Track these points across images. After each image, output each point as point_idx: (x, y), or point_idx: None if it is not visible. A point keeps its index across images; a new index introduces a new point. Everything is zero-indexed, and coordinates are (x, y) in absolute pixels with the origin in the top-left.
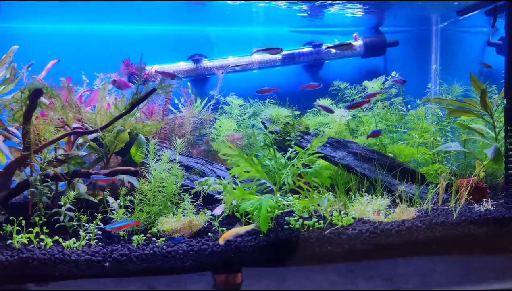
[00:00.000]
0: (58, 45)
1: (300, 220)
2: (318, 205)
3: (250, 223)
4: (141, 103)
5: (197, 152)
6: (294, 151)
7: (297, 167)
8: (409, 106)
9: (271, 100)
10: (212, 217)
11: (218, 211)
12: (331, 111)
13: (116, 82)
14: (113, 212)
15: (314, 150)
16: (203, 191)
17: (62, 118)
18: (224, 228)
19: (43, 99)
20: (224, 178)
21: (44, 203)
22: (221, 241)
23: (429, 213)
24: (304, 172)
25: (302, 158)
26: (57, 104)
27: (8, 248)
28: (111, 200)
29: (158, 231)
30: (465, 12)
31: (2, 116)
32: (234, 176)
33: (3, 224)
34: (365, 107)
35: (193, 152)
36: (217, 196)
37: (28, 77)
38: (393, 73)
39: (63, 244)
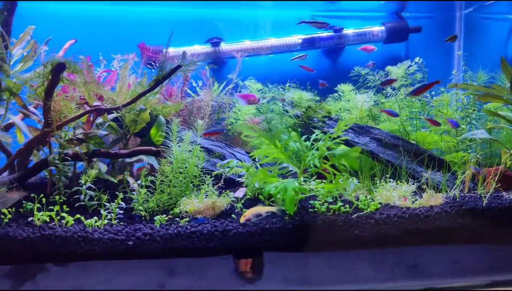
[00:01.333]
0: (74, 26)
1: (326, 204)
2: (344, 189)
3: (273, 206)
4: (165, 80)
5: (216, 135)
6: (319, 133)
7: (325, 149)
8: (433, 92)
9: (292, 84)
10: (234, 199)
11: (239, 193)
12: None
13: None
14: (133, 192)
15: (338, 134)
16: (223, 174)
17: (81, 96)
18: (245, 210)
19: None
20: (244, 161)
21: (63, 182)
22: (242, 220)
23: (457, 199)
24: (331, 154)
25: (327, 141)
26: (79, 80)
27: (29, 225)
28: (131, 180)
29: (180, 212)
30: None
31: (21, 93)
32: (254, 159)
33: (23, 202)
34: (388, 93)
35: (212, 135)
36: (238, 179)
37: (46, 56)
38: (417, 59)
39: (85, 222)
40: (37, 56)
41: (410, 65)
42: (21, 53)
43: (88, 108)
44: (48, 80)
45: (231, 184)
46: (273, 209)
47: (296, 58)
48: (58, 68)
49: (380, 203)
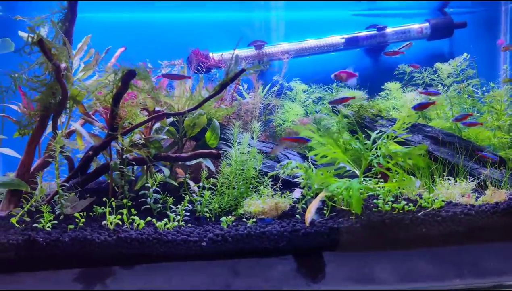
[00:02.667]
0: (119, 34)
1: (389, 203)
2: (409, 187)
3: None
4: (230, 84)
5: (265, 137)
6: (380, 133)
7: (388, 148)
8: (484, 88)
9: (339, 84)
10: (296, 199)
11: (296, 194)
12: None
13: None
14: (193, 195)
15: (399, 133)
16: (278, 175)
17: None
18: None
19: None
20: (297, 162)
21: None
22: (307, 223)
23: None
24: (395, 154)
25: (389, 140)
26: (146, 87)
27: (102, 228)
28: (191, 183)
29: (244, 212)
30: None
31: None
32: (307, 160)
33: (93, 206)
34: (438, 90)
35: (262, 137)
36: (294, 180)
37: (99, 64)
38: (464, 55)
39: (156, 224)
40: (97, 64)
41: (464, 61)
42: (78, 64)
43: (146, 114)
44: (117, 87)
45: (286, 185)
46: (321, 195)
47: (402, 47)
48: (129, 76)
49: (443, 201)
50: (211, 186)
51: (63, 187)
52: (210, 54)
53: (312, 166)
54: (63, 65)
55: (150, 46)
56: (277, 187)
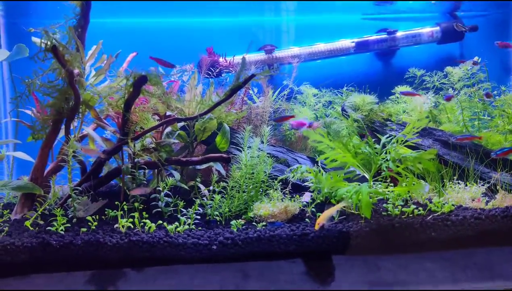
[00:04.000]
0: (131, 39)
1: (399, 207)
2: (419, 192)
3: (344, 210)
4: (240, 89)
5: (275, 141)
6: (390, 137)
7: (398, 153)
8: (495, 92)
9: (349, 87)
10: (305, 203)
11: (306, 198)
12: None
13: None
14: (204, 198)
15: (409, 137)
16: (288, 179)
17: (152, 106)
18: (319, 214)
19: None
20: (306, 166)
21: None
22: (316, 227)
23: None
24: (405, 158)
25: (399, 144)
26: (158, 92)
27: (114, 231)
28: (202, 187)
29: (254, 216)
30: None
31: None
32: (317, 164)
33: (105, 209)
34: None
35: (272, 141)
36: (304, 184)
37: (110, 69)
38: (476, 59)
39: (167, 227)
40: (108, 69)
41: (475, 64)
42: (89, 68)
43: (157, 118)
44: (129, 93)
45: (296, 188)
46: (340, 205)
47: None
48: (140, 81)
49: (453, 205)
50: (221, 190)
51: (76, 191)
52: (221, 59)
53: (322, 170)
54: (76, 71)
55: (162, 51)
56: (286, 190)
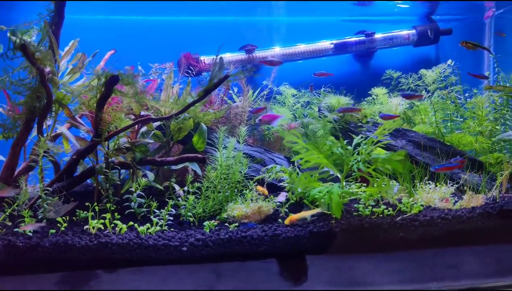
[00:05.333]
0: (111, 37)
1: (369, 207)
2: (387, 192)
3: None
4: (214, 90)
5: (253, 141)
6: (361, 138)
7: (368, 154)
8: (466, 94)
9: (326, 89)
10: (279, 203)
11: (281, 198)
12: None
13: None
14: (179, 199)
15: (379, 139)
16: (265, 179)
17: (128, 106)
18: (292, 214)
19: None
20: (283, 166)
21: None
22: (287, 222)
23: (497, 200)
24: (375, 159)
25: (370, 145)
26: (130, 92)
27: (84, 233)
28: (177, 187)
29: (227, 217)
30: None
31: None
32: (293, 164)
33: (76, 210)
34: (423, 96)
35: (249, 141)
36: (279, 184)
37: (87, 67)
38: (449, 62)
39: (139, 229)
40: (84, 67)
41: (449, 66)
42: (66, 67)
43: (133, 117)
44: (101, 92)
45: (272, 188)
46: (316, 210)
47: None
48: (112, 81)
49: (422, 205)
50: (196, 190)
51: (46, 191)
52: (201, 58)
53: (298, 170)
54: (47, 69)
55: (143, 49)
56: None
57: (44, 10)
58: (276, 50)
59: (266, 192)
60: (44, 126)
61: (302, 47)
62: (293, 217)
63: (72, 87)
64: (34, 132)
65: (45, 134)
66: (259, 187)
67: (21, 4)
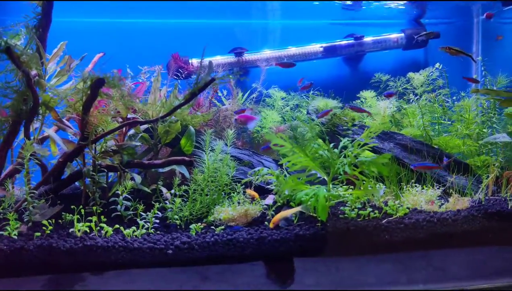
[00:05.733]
0: (102, 40)
1: (356, 210)
2: (373, 195)
3: (303, 213)
4: (200, 92)
5: (242, 144)
6: (347, 141)
7: (354, 157)
8: (454, 97)
9: (315, 92)
10: (266, 206)
11: (268, 201)
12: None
13: None
14: (166, 202)
15: (366, 142)
16: (253, 182)
17: (115, 108)
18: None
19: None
20: (271, 168)
21: (98, 193)
22: (271, 225)
23: (483, 202)
24: (361, 162)
25: (356, 148)
26: (116, 95)
27: (70, 236)
28: (164, 190)
29: (214, 220)
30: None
31: (56, 106)
32: (282, 166)
33: (62, 213)
34: (410, 99)
35: (238, 144)
36: (267, 187)
37: (76, 70)
38: (437, 65)
39: (124, 232)
40: (72, 70)
41: (437, 69)
42: (54, 69)
43: (120, 120)
44: (86, 95)
45: (260, 191)
46: (296, 209)
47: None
48: (98, 84)
49: (408, 208)
50: (183, 193)
51: (32, 194)
52: (190, 61)
53: (285, 173)
54: (34, 72)
55: (133, 52)
56: (247, 195)
57: (31, 12)
58: (267, 53)
59: (257, 195)
60: (32, 129)
61: (292, 50)
62: (275, 218)
63: (59, 90)
64: (22, 135)
65: (32, 137)
66: (249, 190)
67: (9, 5)
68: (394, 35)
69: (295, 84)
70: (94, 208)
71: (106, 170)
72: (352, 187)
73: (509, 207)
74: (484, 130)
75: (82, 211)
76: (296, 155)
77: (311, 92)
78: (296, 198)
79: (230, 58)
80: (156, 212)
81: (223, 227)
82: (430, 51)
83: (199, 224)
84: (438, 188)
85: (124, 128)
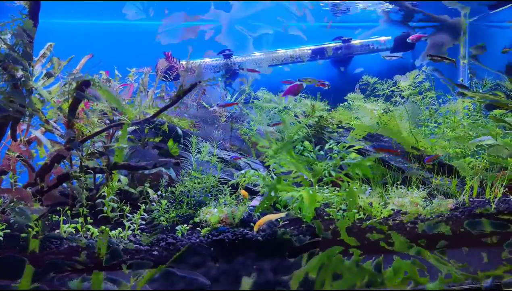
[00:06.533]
0: (89, 41)
1: (341, 211)
2: (358, 196)
3: (289, 214)
4: (186, 95)
5: (230, 145)
6: (332, 143)
7: (339, 159)
8: (440, 100)
9: (303, 94)
10: (252, 208)
11: (255, 202)
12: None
13: None
14: (153, 203)
15: (351, 144)
16: (239, 183)
17: (101, 110)
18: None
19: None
20: (259, 170)
21: (85, 194)
22: (255, 228)
23: (467, 204)
24: (346, 164)
25: (342, 150)
26: (102, 97)
27: (55, 237)
28: (151, 191)
29: (200, 221)
30: (497, 6)
31: (43, 108)
32: (268, 168)
33: (49, 214)
34: (397, 102)
35: (226, 145)
36: (254, 188)
37: (63, 71)
38: (424, 68)
39: (110, 233)
40: (60, 72)
41: (423, 72)
42: (40, 71)
43: (108, 122)
44: (72, 97)
45: (247, 193)
46: (281, 214)
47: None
48: (83, 86)
49: (392, 209)
50: (170, 194)
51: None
52: (181, 62)
53: (272, 174)
54: (19, 73)
55: (122, 54)
56: (237, 194)
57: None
58: (256, 55)
59: (247, 196)
60: (19, 131)
61: (281, 52)
62: (260, 222)
63: (46, 91)
64: (9, 137)
65: (18, 139)
66: (243, 191)
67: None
68: (382, 38)
69: (282, 86)
70: (81, 209)
71: (91, 171)
72: (338, 188)
73: (492, 209)
74: (469, 132)
75: (68, 212)
76: (282, 156)
77: (299, 94)
78: (281, 200)
79: (219, 59)
80: (143, 213)
81: (209, 228)
82: (417, 54)
83: (185, 225)
84: (423, 190)
85: (111, 130)
